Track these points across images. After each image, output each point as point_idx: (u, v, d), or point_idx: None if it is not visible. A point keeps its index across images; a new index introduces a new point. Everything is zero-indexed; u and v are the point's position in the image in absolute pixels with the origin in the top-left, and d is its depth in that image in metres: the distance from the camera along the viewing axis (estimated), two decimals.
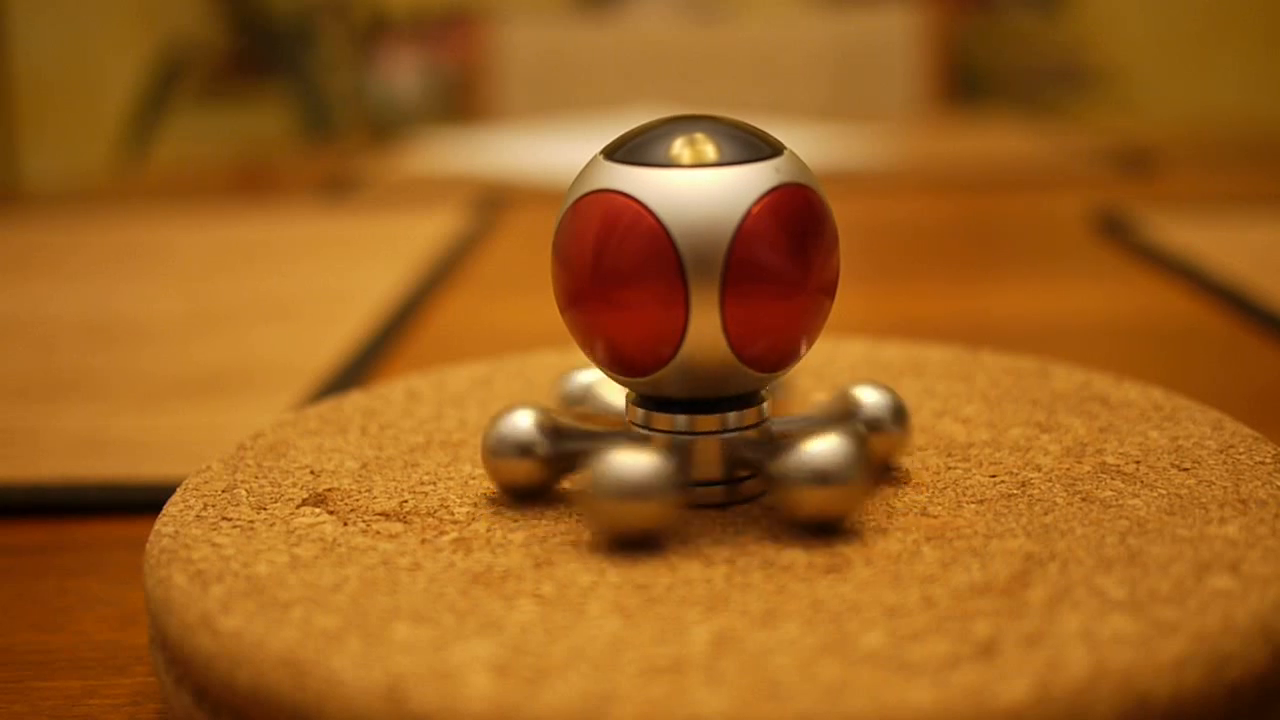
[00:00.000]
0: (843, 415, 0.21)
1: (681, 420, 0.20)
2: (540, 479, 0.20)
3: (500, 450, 0.20)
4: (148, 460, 0.29)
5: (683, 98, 1.34)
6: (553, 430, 0.20)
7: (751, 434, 0.20)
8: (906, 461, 0.22)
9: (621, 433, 0.20)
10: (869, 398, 0.21)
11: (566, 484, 0.21)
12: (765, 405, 0.20)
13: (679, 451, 0.20)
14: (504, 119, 1.36)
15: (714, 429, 0.20)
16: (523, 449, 0.20)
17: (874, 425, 0.21)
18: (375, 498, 0.21)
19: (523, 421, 0.20)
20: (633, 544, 0.18)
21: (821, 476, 0.18)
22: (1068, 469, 0.21)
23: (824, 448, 0.18)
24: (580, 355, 0.29)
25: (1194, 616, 0.16)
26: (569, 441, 0.20)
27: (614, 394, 0.23)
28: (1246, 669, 0.15)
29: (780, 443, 0.19)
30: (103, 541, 0.26)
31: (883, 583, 0.17)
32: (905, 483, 0.21)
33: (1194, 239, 0.53)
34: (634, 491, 0.18)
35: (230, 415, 0.33)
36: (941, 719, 0.14)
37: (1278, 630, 0.16)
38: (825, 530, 0.19)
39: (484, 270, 0.53)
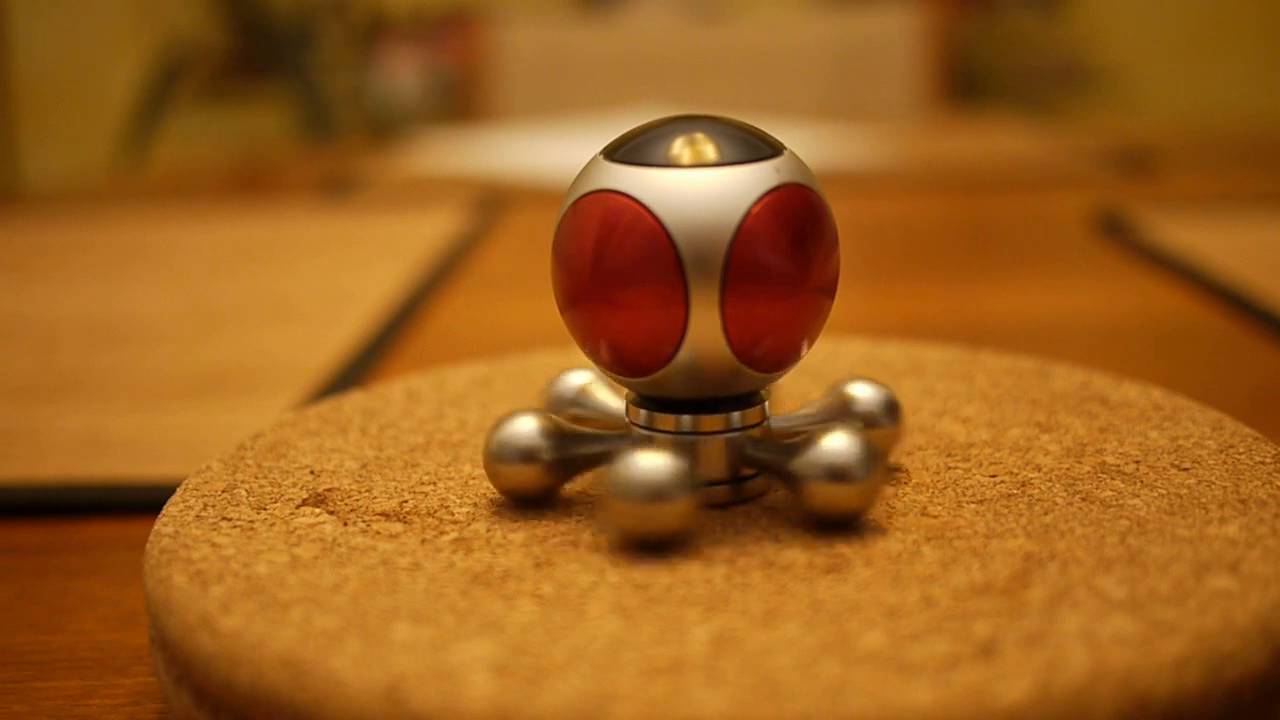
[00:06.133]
0: (839, 412, 0.21)
1: (686, 420, 0.20)
2: (544, 484, 0.20)
3: (503, 455, 0.20)
4: (148, 460, 0.29)
5: (683, 98, 1.34)
6: (556, 434, 0.20)
7: (755, 433, 0.20)
8: (906, 461, 0.22)
9: (625, 435, 0.20)
10: (863, 393, 0.21)
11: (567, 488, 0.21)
12: (767, 404, 0.20)
13: (684, 452, 0.20)
14: (504, 119, 1.36)
15: (719, 429, 0.20)
16: (526, 454, 0.20)
17: (869, 421, 0.21)
18: (375, 498, 0.21)
19: (525, 426, 0.20)
20: (650, 547, 0.18)
21: (838, 473, 0.18)
22: (1068, 469, 0.21)
23: (840, 444, 0.18)
24: (580, 355, 0.29)
25: (1194, 616, 0.16)
26: (573, 446, 0.20)
27: (607, 395, 0.23)
28: (1246, 669, 0.15)
29: (788, 441, 0.19)
30: (103, 541, 0.26)
31: (883, 583, 0.17)
32: (905, 483, 0.21)
33: (1194, 239, 0.53)
34: (655, 494, 0.18)
35: (230, 415, 0.33)
36: (941, 719, 0.14)
37: (1278, 630, 0.16)
38: (838, 526, 0.19)
39: (484, 270, 0.53)
